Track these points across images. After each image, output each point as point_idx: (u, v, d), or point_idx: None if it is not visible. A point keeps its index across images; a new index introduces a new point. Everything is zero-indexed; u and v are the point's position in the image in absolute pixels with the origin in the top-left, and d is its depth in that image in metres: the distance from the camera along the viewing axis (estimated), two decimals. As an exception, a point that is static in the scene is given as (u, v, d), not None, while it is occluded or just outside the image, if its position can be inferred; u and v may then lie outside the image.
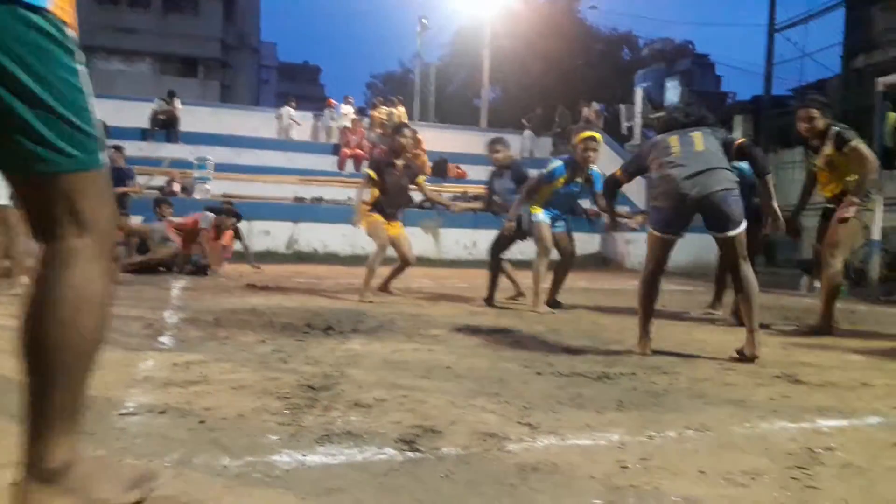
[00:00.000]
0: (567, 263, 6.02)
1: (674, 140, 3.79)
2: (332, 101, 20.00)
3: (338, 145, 17.64)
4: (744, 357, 3.60)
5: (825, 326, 4.68)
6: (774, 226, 3.94)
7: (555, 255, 5.97)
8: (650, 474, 1.87)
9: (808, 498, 1.73)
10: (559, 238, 5.87)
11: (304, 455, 1.93)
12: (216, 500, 1.61)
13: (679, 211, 3.68)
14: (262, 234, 12.01)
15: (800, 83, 17.58)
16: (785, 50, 17.53)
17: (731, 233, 3.63)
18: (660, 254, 3.82)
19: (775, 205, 3.91)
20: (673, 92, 19.63)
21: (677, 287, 9.12)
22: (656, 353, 3.74)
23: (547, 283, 5.89)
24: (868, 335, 4.65)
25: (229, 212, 9.34)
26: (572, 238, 6.03)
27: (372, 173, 6.33)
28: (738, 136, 3.99)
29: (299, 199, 13.80)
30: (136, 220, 9.88)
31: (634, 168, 4.09)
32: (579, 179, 5.66)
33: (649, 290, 3.85)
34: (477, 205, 7.11)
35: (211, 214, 8.83)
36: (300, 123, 19.22)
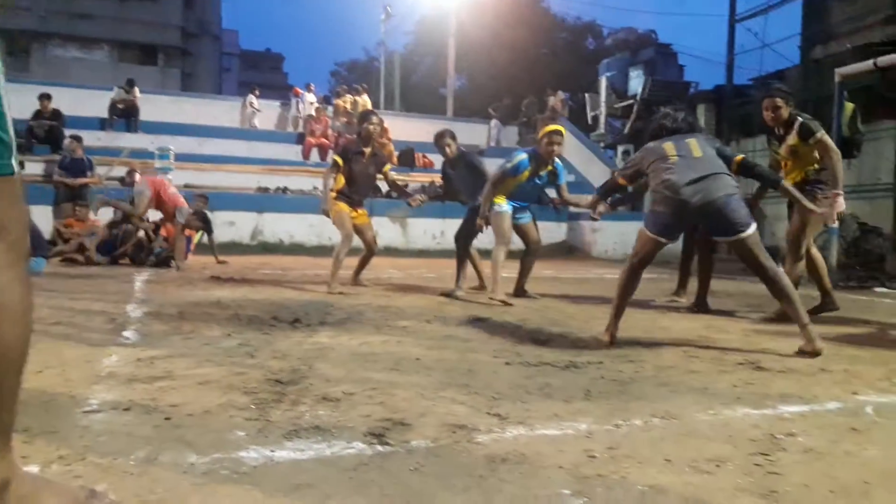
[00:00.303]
0: (533, 253, 6.06)
1: (669, 147, 3.79)
2: (299, 89, 19.77)
3: (302, 134, 17.45)
4: (806, 354, 3.52)
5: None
6: (810, 211, 4.08)
7: (518, 244, 6.00)
8: (617, 463, 1.90)
9: (770, 483, 1.77)
10: (525, 229, 5.91)
11: (271, 451, 1.92)
12: (183, 498, 1.59)
13: (679, 217, 3.69)
14: (227, 225, 11.85)
15: (760, 73, 17.87)
16: (746, 40, 17.89)
17: (742, 235, 3.60)
18: (650, 253, 3.83)
19: (804, 200, 4.08)
20: (637, 81, 19.78)
21: (643, 275, 9.24)
22: (623, 341, 3.79)
23: (512, 272, 5.92)
24: (827, 321, 4.76)
25: (199, 214, 9.20)
26: (537, 228, 6.07)
27: (339, 160, 6.30)
28: (736, 153, 3.97)
29: (263, 189, 13.64)
30: (97, 215, 9.64)
31: (632, 172, 4.07)
32: (543, 172, 5.68)
33: (631, 282, 3.87)
34: (425, 197, 7.02)
35: (187, 209, 8.66)
36: (261, 110, 18.97)
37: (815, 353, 3.48)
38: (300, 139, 17.29)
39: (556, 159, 5.72)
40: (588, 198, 6.08)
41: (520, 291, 5.96)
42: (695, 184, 3.59)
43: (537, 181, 5.71)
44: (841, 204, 4.66)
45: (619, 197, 5.95)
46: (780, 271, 3.71)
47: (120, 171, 13.13)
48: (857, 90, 9.11)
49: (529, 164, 5.60)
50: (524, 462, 1.88)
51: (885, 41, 9.95)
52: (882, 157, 10.51)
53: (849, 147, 5.69)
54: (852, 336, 4.28)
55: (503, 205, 5.66)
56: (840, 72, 8.34)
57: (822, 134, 4.66)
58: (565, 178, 5.99)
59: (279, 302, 5.20)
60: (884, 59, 8.30)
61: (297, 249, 12.26)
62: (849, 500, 1.68)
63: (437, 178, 8.92)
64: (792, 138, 4.76)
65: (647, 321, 4.76)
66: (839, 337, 4.18)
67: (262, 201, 12.86)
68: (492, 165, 6.26)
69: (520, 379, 2.87)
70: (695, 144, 3.78)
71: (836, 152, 4.66)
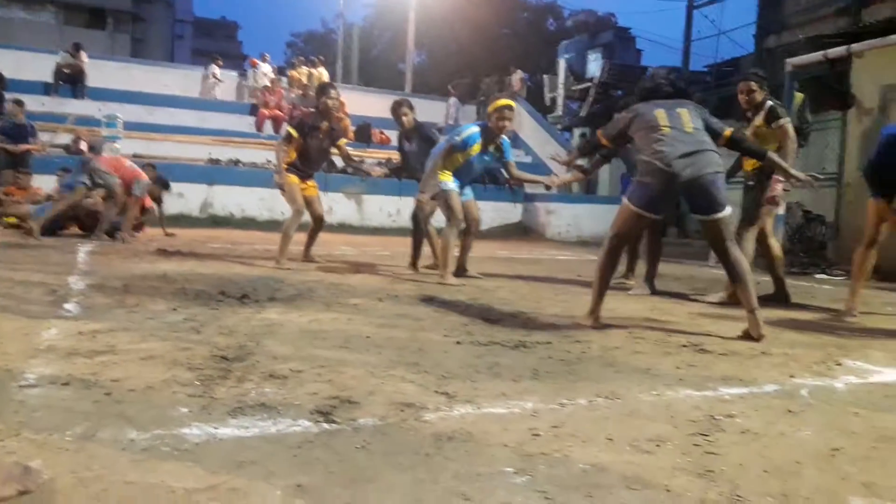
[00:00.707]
0: (473, 233, 5.96)
1: (661, 115, 3.72)
2: (256, 60, 19.31)
3: (255, 106, 17.11)
4: (750, 338, 3.58)
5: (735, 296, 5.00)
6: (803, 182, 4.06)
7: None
8: (561, 442, 1.93)
9: (707, 463, 1.82)
10: (467, 206, 5.73)
11: (215, 428, 1.89)
12: (122, 474, 1.56)
13: (667, 190, 3.64)
14: (176, 197, 11.57)
15: (715, 60, 18.17)
16: (703, 27, 18.09)
17: (718, 215, 3.63)
18: (632, 229, 3.81)
19: (792, 170, 4.06)
20: (595, 64, 19.92)
21: (593, 257, 9.38)
22: (570, 322, 3.84)
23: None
24: (771, 305, 4.90)
25: (161, 181, 8.97)
26: (477, 206, 6.00)
27: (294, 132, 6.16)
28: (724, 126, 3.90)
29: (214, 161, 13.36)
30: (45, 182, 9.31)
31: (615, 133, 3.98)
32: (492, 148, 5.56)
33: (614, 262, 3.87)
34: (383, 171, 6.99)
35: (146, 182, 8.39)
36: (223, 81, 18.53)
37: (758, 339, 3.56)
38: (253, 110, 16.96)
39: (503, 136, 5.59)
40: (539, 177, 6.09)
41: (461, 271, 5.87)
42: (686, 157, 3.56)
43: (485, 157, 5.58)
44: (777, 190, 4.87)
45: (594, 160, 5.88)
46: (742, 256, 3.77)
47: (65, 139, 12.72)
48: (806, 80, 9.33)
49: (479, 139, 5.46)
50: (470, 440, 1.90)
51: (836, 33, 10.20)
52: (828, 147, 10.81)
53: (797, 136, 5.86)
54: (793, 321, 4.41)
55: (450, 182, 5.50)
56: (791, 62, 8.52)
57: (786, 121, 4.85)
58: (513, 155, 5.90)
59: (227, 277, 5.11)
60: (833, 51, 8.50)
61: (247, 223, 12.08)
62: (781, 480, 1.73)
63: (395, 156, 8.86)
64: (758, 120, 4.93)
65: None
66: (780, 321, 4.31)
67: (213, 173, 12.59)
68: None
69: (470, 358, 2.88)
70: (686, 116, 3.73)
71: (794, 141, 4.87)
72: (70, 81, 15.84)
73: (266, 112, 16.50)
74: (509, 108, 5.50)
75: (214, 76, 18.31)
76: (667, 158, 3.56)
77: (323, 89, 6.53)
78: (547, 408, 2.24)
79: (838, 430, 2.15)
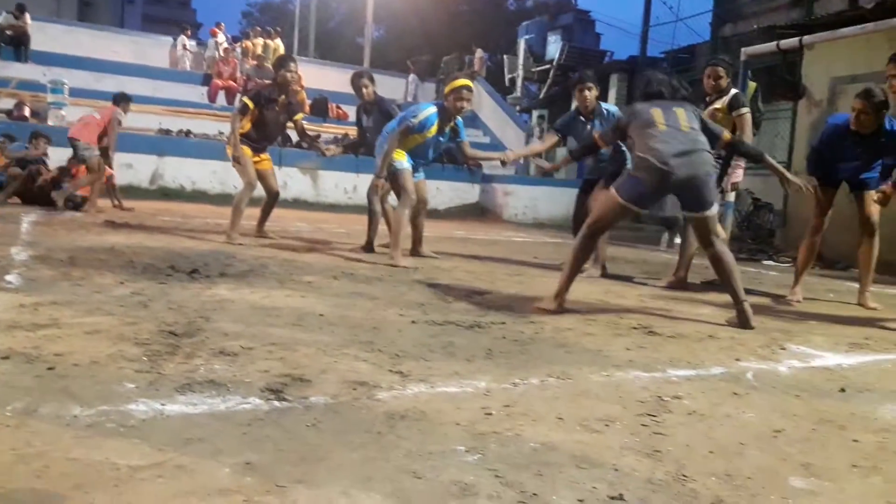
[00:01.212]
0: (424, 213, 5.90)
1: (657, 114, 3.76)
2: (216, 29, 18.77)
3: (209, 76, 16.69)
4: (735, 325, 3.66)
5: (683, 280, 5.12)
6: (794, 186, 4.15)
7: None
8: (512, 420, 1.94)
9: (654, 443, 1.86)
10: (417, 187, 5.61)
11: (162, 404, 1.85)
12: (64, 451, 1.52)
13: (659, 187, 3.67)
14: (124, 168, 11.25)
15: (672, 47, 18.35)
16: (661, 13, 18.24)
17: (707, 213, 3.72)
18: (614, 219, 3.86)
19: (787, 173, 4.19)
20: (554, 46, 19.92)
21: (549, 239, 9.46)
22: (526, 303, 3.86)
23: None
24: (719, 289, 5.00)
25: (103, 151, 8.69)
26: (426, 187, 5.93)
27: (250, 103, 5.99)
28: (723, 130, 4.04)
29: (165, 132, 12.99)
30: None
31: (612, 137, 4.08)
32: (447, 129, 5.45)
33: (589, 248, 3.93)
34: (340, 149, 6.84)
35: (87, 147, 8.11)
36: (193, 53, 18.00)
37: (745, 325, 3.63)
38: (206, 81, 16.54)
39: (460, 116, 5.48)
40: (493, 154, 6.08)
41: (415, 252, 5.82)
42: (683, 156, 3.61)
43: (441, 138, 5.47)
44: (739, 175, 5.00)
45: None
46: (727, 251, 3.84)
47: (7, 104, 12.23)
48: (760, 70, 9.50)
49: (436, 120, 5.33)
50: (423, 419, 1.90)
51: (789, 24, 10.39)
52: (778, 136, 11.07)
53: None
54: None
55: (404, 162, 5.37)
56: (746, 51, 8.66)
57: (746, 110, 4.99)
58: (466, 134, 5.83)
59: (177, 251, 5.00)
60: (786, 42, 8.67)
61: (199, 196, 11.81)
62: (725, 460, 1.78)
63: (353, 131, 8.73)
64: (721, 104, 5.03)
65: (552, 284, 4.85)
66: (727, 305, 4.40)
67: (163, 144, 12.24)
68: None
69: (424, 337, 2.88)
70: (683, 116, 3.77)
71: (750, 129, 5.00)
72: (12, 44, 15.20)
73: (220, 83, 16.11)
74: (468, 88, 5.38)
75: (185, 47, 17.80)
76: (662, 156, 3.61)
77: (281, 62, 6.33)
78: (500, 387, 2.26)
79: (781, 413, 2.22)
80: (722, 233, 5.41)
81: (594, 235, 3.89)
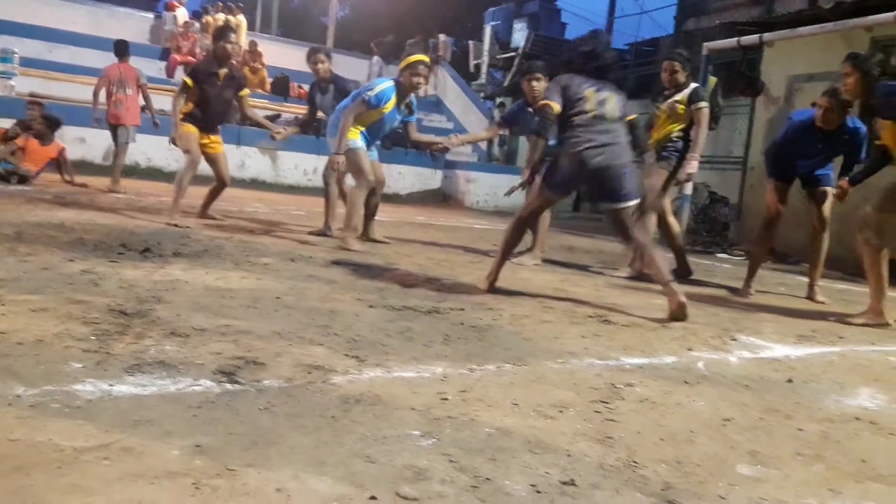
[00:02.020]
0: (379, 194, 5.73)
1: (591, 95, 3.75)
2: (175, 3, 18.22)
3: (167, 50, 16.26)
4: (677, 319, 3.62)
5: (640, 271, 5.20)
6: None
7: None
8: (468, 406, 1.94)
9: (607, 429, 1.88)
10: (374, 167, 5.45)
11: (110, 385, 1.81)
12: (7, 431, 1.48)
13: (577, 175, 3.76)
14: (77, 142, 10.91)
15: (636, 39, 18.54)
16: (626, 5, 18.37)
17: (621, 205, 3.75)
18: (541, 206, 3.95)
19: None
20: (520, 34, 19.90)
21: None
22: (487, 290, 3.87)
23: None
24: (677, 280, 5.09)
25: (47, 118, 8.44)
26: (381, 166, 5.75)
27: (189, 81, 5.70)
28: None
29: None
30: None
31: (561, 99, 3.85)
32: (403, 106, 5.32)
33: (520, 233, 4.02)
34: (294, 129, 6.69)
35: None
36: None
37: (681, 314, 3.59)
38: (165, 55, 16.12)
39: (414, 93, 5.36)
40: (437, 138, 6.03)
41: (364, 235, 5.61)
42: (602, 147, 3.65)
43: (396, 115, 5.31)
44: (694, 167, 5.07)
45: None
46: (647, 238, 3.91)
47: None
48: (720, 65, 9.64)
49: (393, 96, 5.18)
50: (378, 403, 1.89)
51: (750, 21, 10.55)
52: (736, 131, 11.25)
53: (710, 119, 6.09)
54: (692, 296, 4.58)
55: (358, 141, 5.22)
56: (708, 45, 8.78)
57: (705, 105, 5.08)
58: (416, 117, 5.68)
59: (129, 229, 4.88)
60: (746, 39, 8.81)
61: (154, 174, 11.51)
62: (675, 446, 1.81)
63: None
64: (681, 97, 5.09)
65: (508, 273, 4.87)
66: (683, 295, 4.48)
67: (119, 119, 11.90)
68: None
69: (382, 322, 2.87)
70: (612, 103, 3.79)
71: (707, 123, 5.09)
72: (-40, 10, 14.59)
73: (178, 58, 15.69)
74: (424, 64, 5.24)
75: (176, 22, 17.25)
76: (581, 145, 3.66)
77: (221, 33, 5.99)
78: (456, 373, 2.26)
79: (730, 402, 2.26)
80: (675, 222, 5.51)
81: (523, 221, 4.03)
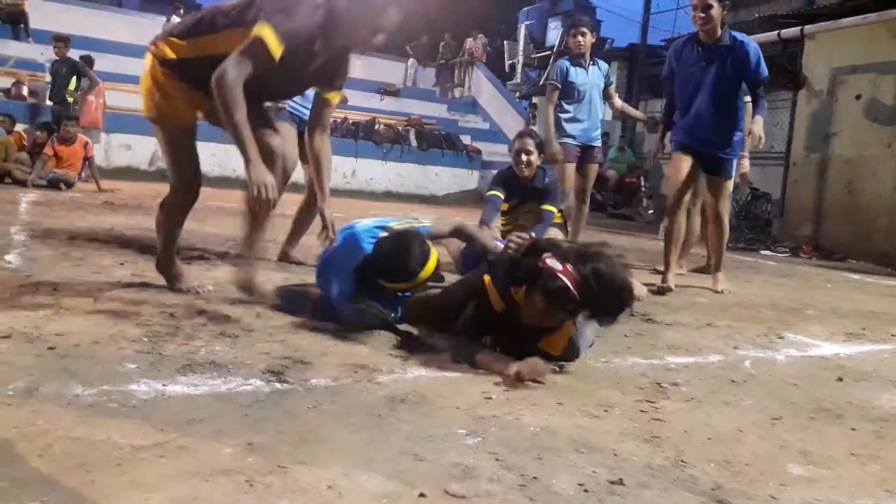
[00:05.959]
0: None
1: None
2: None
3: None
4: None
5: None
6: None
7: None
8: (512, 405, 1.95)
9: (653, 429, 1.87)
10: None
11: (164, 385, 1.86)
12: (67, 430, 1.52)
13: None
14: (123, 149, 11.21)
15: (673, 34, 18.25)
16: (662, 0, 18.09)
17: None
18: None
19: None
20: (555, 33, 19.75)
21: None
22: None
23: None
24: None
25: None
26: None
27: None
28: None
29: (165, 114, 12.91)
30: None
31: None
32: None
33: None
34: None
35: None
36: None
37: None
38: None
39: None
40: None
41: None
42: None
43: None
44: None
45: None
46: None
47: (5, 83, 12.14)
48: (760, 59, 9.47)
49: None
50: (423, 402, 1.91)
51: (790, 14, 10.35)
52: (777, 125, 11.05)
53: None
54: (738, 294, 4.53)
55: None
56: (747, 39, 8.62)
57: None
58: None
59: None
60: (787, 32, 8.65)
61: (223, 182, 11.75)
62: (723, 446, 1.79)
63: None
64: None
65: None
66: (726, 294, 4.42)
67: (163, 126, 12.17)
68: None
69: (423, 321, 2.88)
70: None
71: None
72: (10, 22, 15.06)
73: (219, 65, 15.98)
74: None
75: None
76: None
77: None
78: (499, 372, 2.26)
79: (779, 401, 2.23)
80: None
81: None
